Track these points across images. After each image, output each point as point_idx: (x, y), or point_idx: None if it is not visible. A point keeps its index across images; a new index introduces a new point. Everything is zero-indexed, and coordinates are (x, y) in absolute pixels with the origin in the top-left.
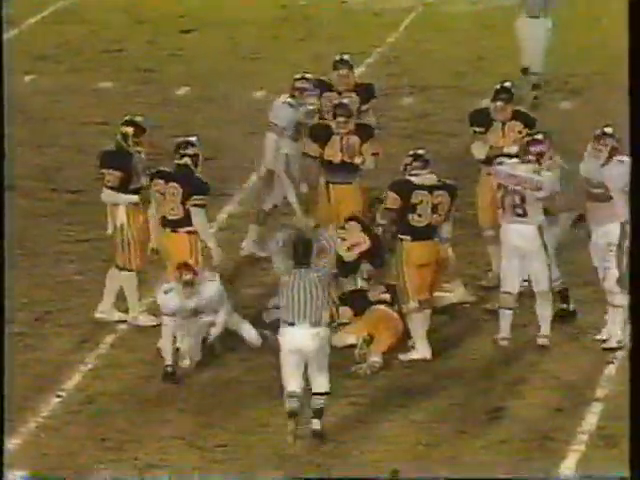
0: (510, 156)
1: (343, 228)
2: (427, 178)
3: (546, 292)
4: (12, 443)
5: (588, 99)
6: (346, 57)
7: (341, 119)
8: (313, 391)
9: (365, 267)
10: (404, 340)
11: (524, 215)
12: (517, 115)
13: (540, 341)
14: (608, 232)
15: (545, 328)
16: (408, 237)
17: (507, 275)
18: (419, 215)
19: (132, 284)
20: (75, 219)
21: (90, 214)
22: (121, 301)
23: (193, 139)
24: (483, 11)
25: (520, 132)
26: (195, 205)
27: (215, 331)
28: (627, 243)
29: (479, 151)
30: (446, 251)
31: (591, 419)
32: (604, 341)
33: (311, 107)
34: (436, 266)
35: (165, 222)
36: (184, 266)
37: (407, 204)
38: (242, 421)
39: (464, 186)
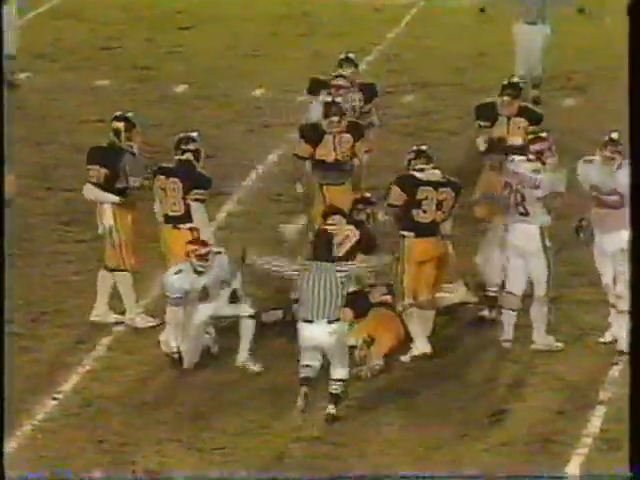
0: (521, 153)
1: (328, 224)
2: (432, 174)
3: (541, 296)
4: (8, 446)
5: (591, 96)
6: (351, 55)
7: (334, 118)
8: (330, 377)
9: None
10: (405, 342)
11: (526, 214)
12: (523, 111)
13: (533, 346)
14: (620, 238)
15: (538, 333)
16: (411, 233)
17: (511, 275)
18: (424, 211)
19: (127, 284)
20: (72, 218)
21: (87, 213)
22: (117, 302)
23: (194, 134)
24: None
25: (525, 128)
26: (195, 200)
27: (236, 284)
28: None
29: (484, 145)
30: (447, 248)
31: (595, 422)
32: (609, 343)
33: (350, 104)
34: (438, 262)
35: (167, 218)
36: (198, 241)
37: (412, 200)
38: (240, 423)
39: (466, 184)
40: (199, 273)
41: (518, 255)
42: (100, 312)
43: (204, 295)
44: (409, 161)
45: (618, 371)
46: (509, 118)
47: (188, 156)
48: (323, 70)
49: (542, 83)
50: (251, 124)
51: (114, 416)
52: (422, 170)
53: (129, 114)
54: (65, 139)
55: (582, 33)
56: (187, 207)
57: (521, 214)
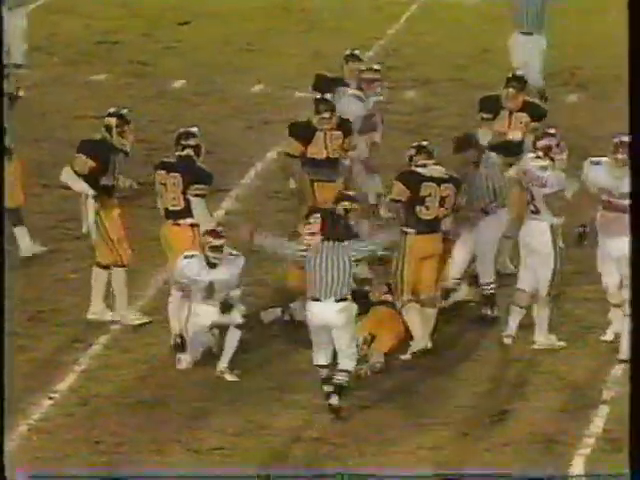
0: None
1: (309, 223)
2: (434, 169)
3: (544, 295)
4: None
5: (595, 93)
6: (357, 52)
7: (326, 115)
8: (338, 367)
9: (364, 269)
10: (406, 340)
11: (536, 212)
12: (526, 106)
13: (534, 345)
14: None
15: (539, 332)
16: (413, 230)
17: (522, 272)
18: (427, 208)
19: (121, 281)
20: (69, 216)
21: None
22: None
23: (194, 130)
24: (485, 2)
25: (526, 124)
26: (196, 195)
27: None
28: None
29: (483, 137)
30: (449, 244)
31: (597, 422)
32: (611, 342)
33: (379, 98)
34: (439, 259)
35: (167, 214)
36: (213, 232)
37: (415, 196)
38: (239, 423)
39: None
40: (211, 265)
41: (530, 253)
42: (97, 310)
43: (209, 291)
44: (410, 157)
45: (621, 370)
46: (511, 112)
47: (188, 151)
48: (322, 66)
49: (545, 94)
50: (250, 120)
51: (111, 415)
52: (424, 166)
53: (123, 111)
54: (62, 135)
55: (585, 29)
56: (187, 202)
57: (532, 212)
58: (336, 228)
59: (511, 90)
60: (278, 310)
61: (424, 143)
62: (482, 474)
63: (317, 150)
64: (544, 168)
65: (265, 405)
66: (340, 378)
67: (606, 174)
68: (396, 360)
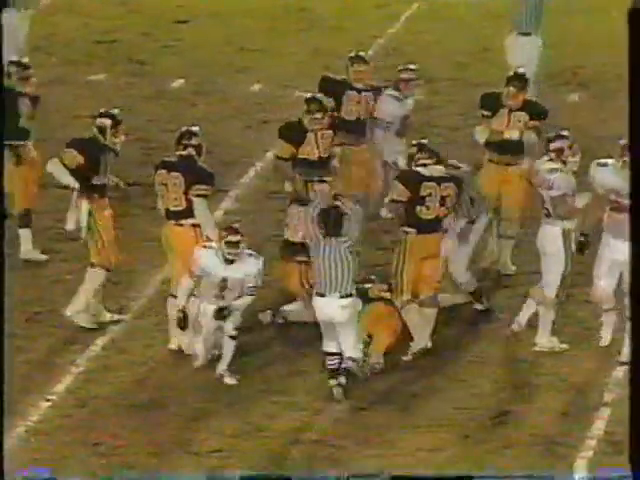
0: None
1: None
2: (434, 169)
3: (551, 299)
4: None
5: (596, 92)
6: (361, 53)
7: (318, 115)
8: (345, 355)
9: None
10: (404, 338)
11: (548, 215)
12: (526, 105)
13: (535, 347)
14: None
15: (542, 334)
16: (413, 230)
17: (543, 273)
18: (427, 208)
19: (98, 282)
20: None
21: None
22: (112, 301)
23: (196, 129)
24: (486, 1)
25: (525, 123)
26: (197, 195)
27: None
28: None
29: (481, 135)
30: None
31: (599, 424)
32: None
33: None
34: (439, 259)
35: (168, 214)
36: (230, 228)
37: (416, 196)
38: (237, 425)
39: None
40: (227, 261)
41: (543, 255)
42: (95, 312)
43: (221, 288)
44: (411, 156)
45: (622, 372)
46: (510, 111)
47: (190, 151)
48: (322, 65)
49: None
50: (249, 120)
51: (109, 417)
52: (425, 165)
53: (115, 111)
54: (60, 135)
55: (587, 28)
56: (189, 202)
57: (545, 215)
58: (334, 224)
59: (512, 89)
60: (268, 314)
61: (424, 141)
62: (483, 476)
63: (309, 151)
64: (553, 170)
65: (264, 407)
66: (348, 364)
67: (614, 175)
68: (396, 361)
